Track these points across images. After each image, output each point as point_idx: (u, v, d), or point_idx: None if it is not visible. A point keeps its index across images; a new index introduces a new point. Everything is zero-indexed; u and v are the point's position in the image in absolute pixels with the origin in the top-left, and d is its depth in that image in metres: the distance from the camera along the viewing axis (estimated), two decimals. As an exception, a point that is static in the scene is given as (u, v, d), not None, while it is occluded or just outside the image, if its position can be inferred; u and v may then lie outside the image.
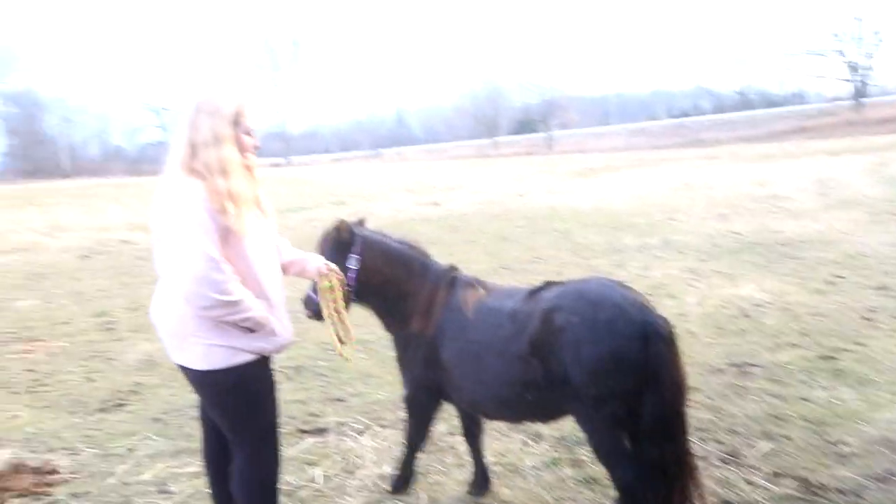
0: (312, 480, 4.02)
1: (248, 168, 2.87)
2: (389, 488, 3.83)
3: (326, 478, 4.05)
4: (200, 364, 2.76)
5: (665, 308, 7.29)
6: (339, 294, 3.25)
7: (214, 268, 2.58)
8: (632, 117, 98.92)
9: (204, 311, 2.64)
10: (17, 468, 4.26)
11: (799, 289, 7.76)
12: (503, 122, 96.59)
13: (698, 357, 5.73)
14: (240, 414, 2.90)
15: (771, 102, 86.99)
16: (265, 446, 2.98)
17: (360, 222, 3.64)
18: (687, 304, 7.44)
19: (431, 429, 3.76)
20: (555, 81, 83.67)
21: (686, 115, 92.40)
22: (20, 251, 15.58)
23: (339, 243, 3.49)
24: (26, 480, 4.12)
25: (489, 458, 4.13)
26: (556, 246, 12.15)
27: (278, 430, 3.08)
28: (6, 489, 4.02)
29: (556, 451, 4.21)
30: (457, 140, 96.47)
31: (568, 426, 4.13)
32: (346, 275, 3.38)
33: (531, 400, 3.17)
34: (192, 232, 2.57)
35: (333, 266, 3.28)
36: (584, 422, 3.11)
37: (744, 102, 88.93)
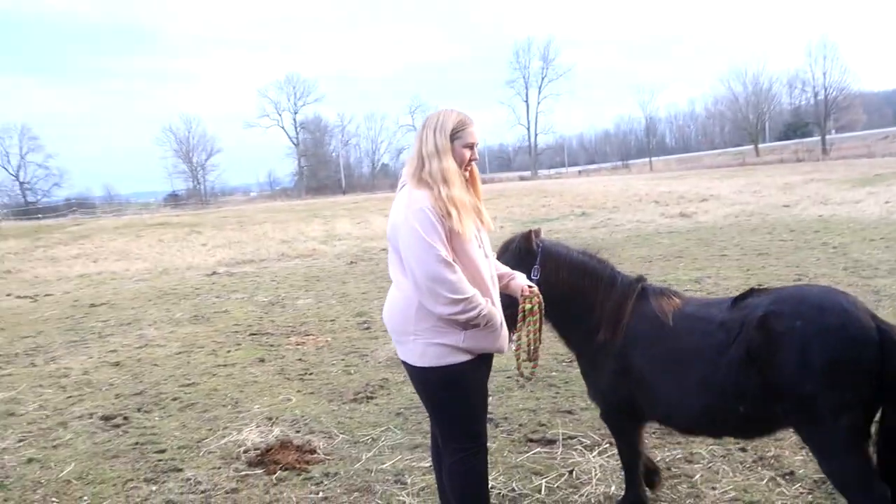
0: (538, 490, 4.00)
1: (471, 180, 3.03)
2: (615, 510, 3.67)
3: (550, 490, 4.00)
4: (417, 360, 2.95)
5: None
6: (539, 317, 3.17)
7: (448, 268, 2.75)
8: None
9: (440, 308, 2.79)
10: (286, 445, 4.89)
11: None
12: (768, 126, 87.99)
13: None
14: (449, 411, 3.02)
15: None
16: (471, 445, 3.05)
17: (538, 232, 3.56)
18: None
19: (641, 446, 3.57)
20: (834, 77, 73.40)
21: None
22: (304, 257, 18.08)
23: (522, 254, 3.46)
24: (291, 456, 4.71)
25: (730, 492, 3.76)
26: (829, 263, 10.66)
27: (485, 431, 3.14)
28: (276, 462, 4.63)
29: (811, 494, 3.67)
30: (712, 148, 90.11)
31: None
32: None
33: (743, 412, 2.94)
34: (425, 236, 2.75)
35: (536, 289, 3.20)
36: (814, 436, 2.82)
37: None
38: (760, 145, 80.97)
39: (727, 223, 17.97)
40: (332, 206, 40.12)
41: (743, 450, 4.24)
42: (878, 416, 2.77)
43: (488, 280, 2.97)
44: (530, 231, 3.55)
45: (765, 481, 3.86)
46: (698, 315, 3.15)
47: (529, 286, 3.20)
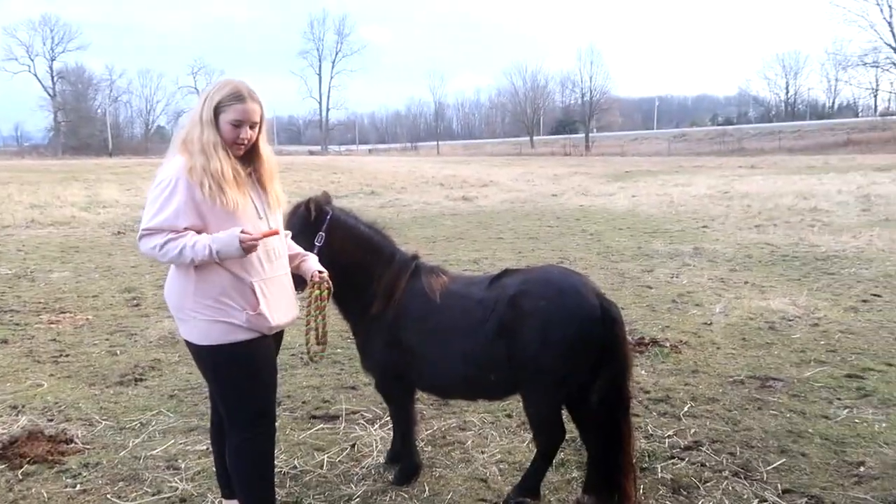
0: (320, 466, 4.02)
1: (255, 156, 2.93)
2: (393, 479, 3.83)
3: (332, 464, 4.05)
4: (202, 339, 2.83)
5: (690, 317, 7.17)
6: (325, 303, 3.16)
7: (144, 236, 2.75)
8: (676, 121, 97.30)
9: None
10: (34, 435, 4.34)
11: (831, 305, 7.52)
12: (542, 120, 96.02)
13: (719, 368, 5.60)
14: (235, 390, 2.93)
15: (820, 114, 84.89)
16: (259, 425, 2.99)
17: (328, 199, 3.62)
18: (712, 313, 7.28)
19: (414, 414, 3.84)
20: (599, 81, 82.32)
21: (730, 122, 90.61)
22: (60, 224, 16.03)
23: (307, 221, 3.47)
24: (41, 448, 4.19)
25: (497, 454, 4.10)
26: (586, 248, 12.02)
27: (274, 410, 3.09)
28: (22, 455, 4.09)
29: (563, 452, 4.14)
30: (494, 137, 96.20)
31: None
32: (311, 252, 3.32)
33: (493, 380, 3.35)
34: (149, 203, 2.74)
35: (325, 274, 3.15)
36: (537, 397, 3.34)
37: (791, 113, 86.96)
38: (535, 138, 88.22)
39: (504, 208, 19.39)
40: (96, 169, 36.00)
41: (509, 416, 4.65)
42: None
43: (261, 255, 2.85)
44: (312, 198, 3.52)
45: (526, 443, 4.26)
46: (461, 293, 3.45)
47: (320, 271, 3.16)
